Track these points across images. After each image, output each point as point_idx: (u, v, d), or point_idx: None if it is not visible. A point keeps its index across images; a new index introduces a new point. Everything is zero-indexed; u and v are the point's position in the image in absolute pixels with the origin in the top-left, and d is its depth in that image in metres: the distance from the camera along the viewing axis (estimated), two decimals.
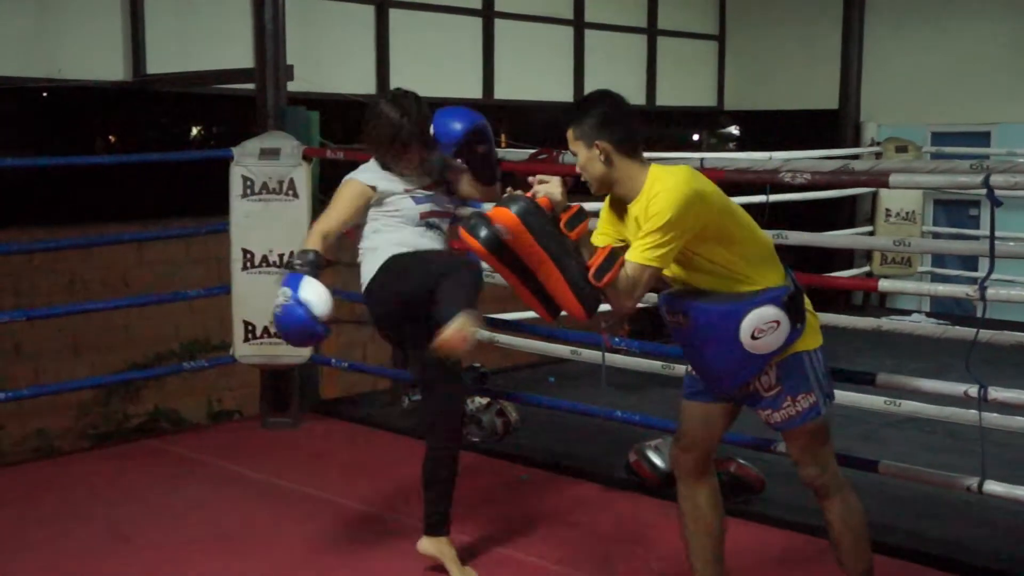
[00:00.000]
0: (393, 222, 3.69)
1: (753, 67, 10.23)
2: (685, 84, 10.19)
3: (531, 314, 6.51)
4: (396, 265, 3.64)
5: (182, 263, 7.39)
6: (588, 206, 3.00)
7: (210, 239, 6.44)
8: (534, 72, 8.88)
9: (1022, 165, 3.73)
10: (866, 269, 8.38)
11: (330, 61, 7.48)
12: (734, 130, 11.30)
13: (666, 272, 2.98)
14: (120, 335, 7.07)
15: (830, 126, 9.19)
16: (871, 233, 8.43)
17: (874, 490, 4.24)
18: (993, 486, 3.64)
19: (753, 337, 2.90)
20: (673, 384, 5.32)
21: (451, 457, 3.63)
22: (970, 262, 8.23)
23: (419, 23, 7.98)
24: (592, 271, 2.85)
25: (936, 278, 8.55)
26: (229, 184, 5.42)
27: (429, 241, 3.72)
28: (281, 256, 5.42)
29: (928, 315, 8.38)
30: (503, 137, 9.12)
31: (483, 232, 2.89)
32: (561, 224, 2.88)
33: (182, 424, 6.82)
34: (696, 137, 11.64)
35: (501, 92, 8.56)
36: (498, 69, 8.51)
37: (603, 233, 3.09)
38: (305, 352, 5.50)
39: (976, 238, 8.23)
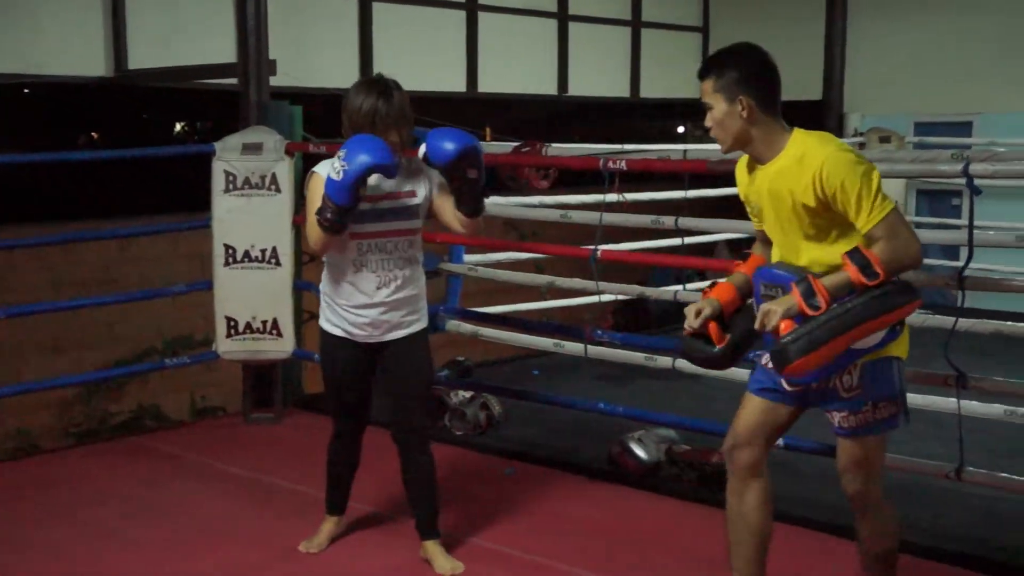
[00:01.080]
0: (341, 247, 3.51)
1: None
2: (669, 76, 10.18)
3: (514, 307, 6.56)
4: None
5: (165, 259, 7.36)
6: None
7: (193, 235, 6.41)
8: (518, 65, 8.87)
9: (1002, 154, 3.75)
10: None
11: (313, 55, 7.45)
12: None
13: (778, 245, 2.89)
14: (103, 332, 7.04)
15: (814, 117, 9.19)
16: None
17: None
18: (972, 472, 3.67)
19: None
20: (656, 376, 5.37)
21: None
22: (951, 251, 8.26)
23: (402, 16, 7.96)
24: (862, 281, 2.63)
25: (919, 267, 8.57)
26: (211, 179, 5.41)
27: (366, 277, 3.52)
28: (263, 251, 5.41)
29: None
30: (487, 130, 9.10)
31: (712, 350, 2.98)
32: (808, 314, 2.64)
33: (165, 421, 6.80)
34: (681, 129, 11.65)
35: (485, 85, 8.55)
36: (482, 62, 8.49)
37: (744, 199, 2.97)
38: (288, 347, 5.50)
39: (958, 227, 8.26)
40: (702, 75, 2.85)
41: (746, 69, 2.80)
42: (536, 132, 8.51)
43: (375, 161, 3.28)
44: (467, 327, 5.53)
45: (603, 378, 5.68)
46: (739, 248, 9.19)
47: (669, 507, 4.26)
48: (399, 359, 3.60)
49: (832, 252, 2.75)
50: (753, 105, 2.77)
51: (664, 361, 4.70)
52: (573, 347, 4.96)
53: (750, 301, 2.95)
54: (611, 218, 4.85)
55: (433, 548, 3.68)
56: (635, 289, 5.37)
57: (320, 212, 3.34)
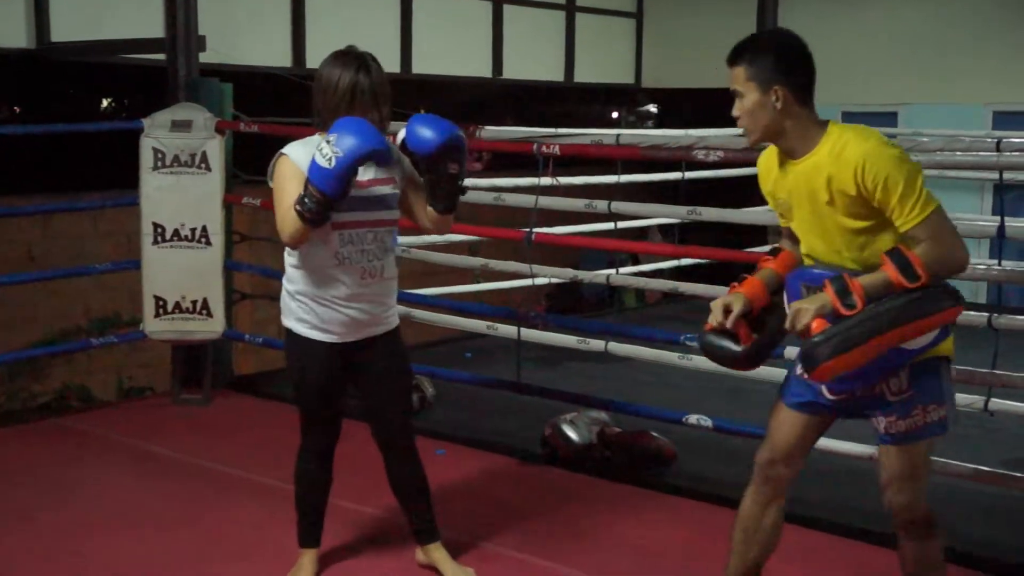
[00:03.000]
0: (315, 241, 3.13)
1: (670, 45, 10.32)
2: (603, 61, 10.23)
3: (447, 289, 6.55)
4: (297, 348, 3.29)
5: (90, 237, 7.22)
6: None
7: (120, 213, 6.31)
8: (453, 47, 8.84)
9: (925, 144, 3.84)
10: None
11: (244, 33, 7.34)
12: (652, 108, 11.39)
13: (807, 244, 2.70)
14: (26, 311, 6.88)
15: None
16: None
17: None
18: None
19: None
20: (589, 358, 5.41)
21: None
22: None
23: None
24: (903, 283, 2.47)
25: None
26: (139, 156, 5.31)
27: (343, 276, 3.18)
28: (193, 230, 5.34)
29: None
30: (421, 112, 9.04)
31: (736, 346, 2.72)
32: (842, 313, 2.46)
33: (91, 402, 6.68)
34: (615, 115, 11.71)
35: (419, 67, 8.50)
36: (416, 43, 8.44)
37: (769, 195, 2.78)
38: (218, 328, 5.43)
39: None
40: (733, 60, 2.62)
41: (782, 57, 2.59)
42: (471, 115, 8.52)
43: (371, 147, 2.95)
44: (400, 308, 5.50)
45: (536, 361, 5.71)
46: (671, 232, 9.32)
47: (600, 489, 4.30)
48: (384, 357, 3.31)
49: (871, 252, 2.59)
50: (788, 95, 2.57)
51: (596, 344, 4.74)
52: (507, 330, 4.98)
53: (778, 299, 2.77)
54: (545, 201, 4.86)
55: (439, 552, 3.45)
56: (568, 272, 5.41)
57: (301, 202, 2.98)
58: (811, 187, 2.59)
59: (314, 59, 7.66)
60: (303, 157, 3.08)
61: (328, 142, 2.95)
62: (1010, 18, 8.53)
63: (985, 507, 3.96)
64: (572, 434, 4.47)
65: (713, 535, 3.85)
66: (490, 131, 4.95)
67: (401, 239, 5.80)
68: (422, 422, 5.07)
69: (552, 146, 4.50)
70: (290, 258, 3.24)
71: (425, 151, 3.07)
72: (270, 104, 7.36)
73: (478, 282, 6.90)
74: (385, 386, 3.34)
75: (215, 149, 5.34)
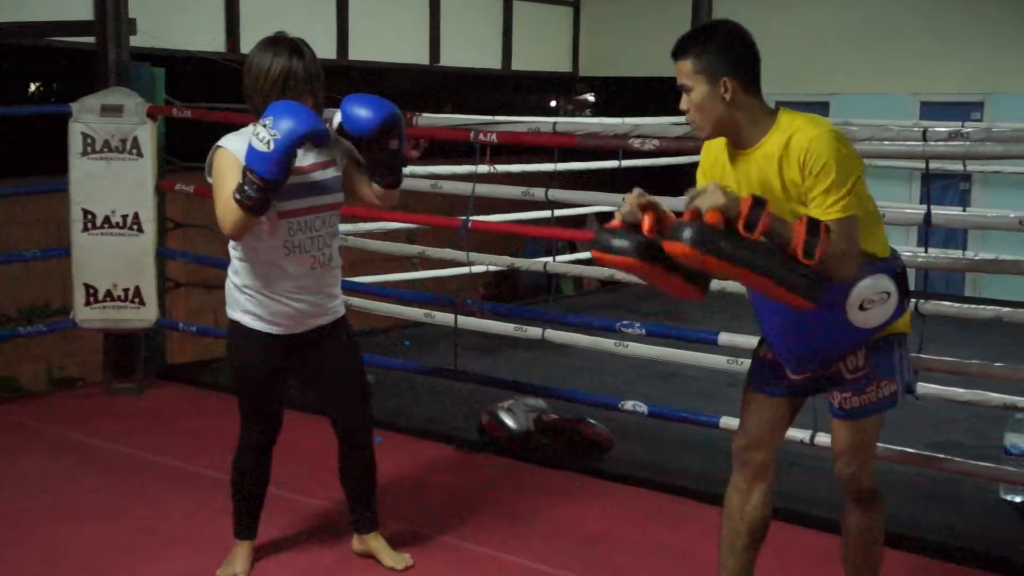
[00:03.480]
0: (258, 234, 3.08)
1: (607, 33, 10.36)
2: (541, 49, 10.24)
3: (385, 277, 6.53)
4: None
5: (18, 224, 7.05)
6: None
7: (49, 199, 6.17)
8: (390, 34, 8.78)
9: (853, 133, 3.91)
10: None
11: (177, 16, 7.22)
12: (590, 96, 11.44)
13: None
14: None
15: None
16: None
17: (715, 447, 4.41)
18: (824, 438, 3.84)
19: (861, 308, 2.60)
20: (525, 346, 5.44)
21: None
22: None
23: None
24: (800, 250, 2.42)
25: None
26: (68, 142, 5.21)
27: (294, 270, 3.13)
28: (124, 217, 5.25)
29: None
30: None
31: (628, 243, 2.49)
32: (740, 230, 2.40)
33: (20, 392, 6.53)
34: (553, 103, 11.74)
35: (356, 53, 8.44)
36: (353, 29, 8.38)
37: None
38: (151, 316, 5.36)
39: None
40: (678, 54, 2.58)
41: (729, 47, 2.56)
42: (408, 102, 8.46)
43: (307, 127, 2.89)
44: None
45: (474, 349, 5.71)
46: (609, 220, 9.36)
47: (538, 476, 4.33)
48: (336, 346, 3.28)
49: None
50: (737, 86, 2.54)
51: (534, 331, 4.76)
52: (444, 317, 4.98)
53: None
54: (482, 189, 4.87)
55: (377, 542, 3.46)
56: (505, 260, 5.42)
57: (240, 190, 2.92)
58: (763, 176, 2.56)
59: (248, 44, 7.52)
60: (240, 147, 3.02)
61: (264, 126, 2.89)
62: (938, 9, 8.71)
63: (910, 487, 4.07)
64: (509, 421, 4.49)
65: (649, 521, 3.91)
66: (427, 118, 4.94)
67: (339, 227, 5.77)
68: None
69: (489, 134, 4.51)
70: (235, 251, 3.18)
71: (363, 131, 3.04)
72: (204, 89, 7.24)
73: (416, 269, 6.89)
74: (341, 375, 3.30)
75: (146, 135, 5.25)
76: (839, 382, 2.71)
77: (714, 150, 2.72)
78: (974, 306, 4.12)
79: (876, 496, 2.81)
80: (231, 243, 3.17)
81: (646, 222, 2.48)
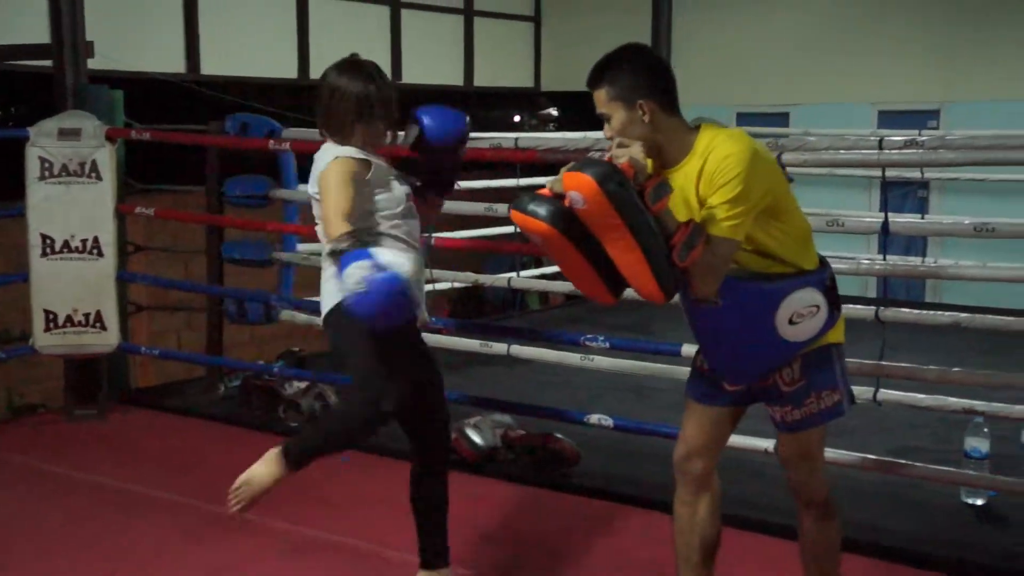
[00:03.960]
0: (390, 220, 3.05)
1: (568, 48, 10.42)
2: (503, 65, 10.28)
3: None
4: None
5: None
6: None
7: (6, 224, 6.11)
8: (350, 51, 8.76)
9: (811, 143, 3.96)
10: None
11: (136, 38, 7.19)
12: (553, 111, 11.48)
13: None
14: None
15: None
16: None
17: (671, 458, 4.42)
18: None
19: (791, 322, 2.61)
20: (492, 362, 5.43)
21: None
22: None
23: (230, 1, 7.77)
24: (676, 249, 2.45)
25: None
26: (26, 166, 5.16)
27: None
28: (84, 241, 5.21)
29: None
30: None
31: (544, 209, 2.46)
32: (645, 195, 2.43)
33: None
34: (517, 118, 11.77)
35: (317, 71, 8.37)
36: (314, 48, 8.38)
37: None
38: (112, 340, 5.31)
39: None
40: (593, 84, 2.62)
41: (641, 71, 2.59)
42: None
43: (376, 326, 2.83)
44: (302, 317, 5.46)
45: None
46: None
47: (506, 491, 4.32)
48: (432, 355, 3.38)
49: (751, 252, 2.60)
50: (655, 107, 2.57)
51: (499, 347, 4.77)
52: None
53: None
54: (445, 206, 4.85)
55: None
56: (469, 277, 5.42)
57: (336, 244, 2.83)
58: (684, 195, 2.58)
59: (208, 65, 7.57)
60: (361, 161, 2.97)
61: (363, 279, 2.71)
62: (895, 21, 8.83)
63: (873, 493, 4.10)
64: (476, 438, 4.48)
65: (617, 534, 3.91)
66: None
67: (302, 247, 5.75)
68: None
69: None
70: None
71: (451, 140, 3.10)
72: (164, 111, 7.22)
73: None
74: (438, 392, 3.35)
75: (105, 157, 5.22)
76: (778, 396, 2.72)
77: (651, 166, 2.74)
78: (933, 312, 4.17)
79: (829, 504, 2.82)
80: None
81: (624, 166, 2.48)
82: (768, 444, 3.91)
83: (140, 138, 5.35)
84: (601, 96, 2.61)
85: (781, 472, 2.85)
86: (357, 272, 2.71)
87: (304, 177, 5.62)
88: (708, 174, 2.52)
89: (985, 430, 3.98)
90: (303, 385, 5.19)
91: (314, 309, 5.44)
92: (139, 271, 6.13)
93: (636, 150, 2.48)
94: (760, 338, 2.62)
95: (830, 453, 3.74)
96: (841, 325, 2.76)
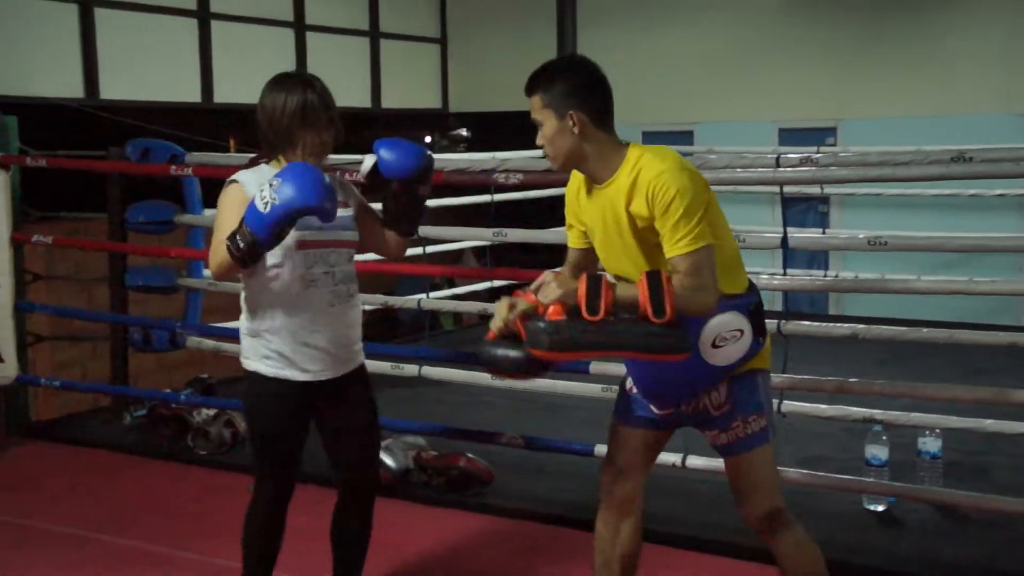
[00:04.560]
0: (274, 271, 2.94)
1: (475, 69, 10.49)
2: (410, 87, 10.29)
3: None
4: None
5: None
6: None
7: None
8: (256, 74, 8.58)
9: (712, 161, 4.05)
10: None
11: (30, 63, 7.02)
12: (464, 132, 11.51)
13: (612, 270, 2.70)
14: None
15: None
16: None
17: (594, 473, 4.45)
18: (695, 460, 3.96)
19: (714, 346, 2.61)
20: (403, 384, 5.41)
21: None
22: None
23: (129, 23, 7.63)
24: (649, 310, 2.44)
25: None
26: None
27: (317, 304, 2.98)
28: None
29: None
30: (232, 141, 8.85)
31: (516, 357, 2.56)
32: (583, 315, 2.45)
33: None
34: (428, 139, 11.77)
35: (222, 95, 8.33)
36: (217, 71, 8.27)
37: (571, 226, 2.78)
38: (10, 372, 5.17)
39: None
40: (529, 90, 2.65)
41: (575, 82, 2.62)
42: None
43: (307, 203, 2.73)
44: (209, 343, 5.38)
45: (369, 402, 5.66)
46: (485, 255, 9.43)
47: (420, 513, 4.31)
48: (355, 397, 3.13)
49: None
50: (585, 120, 2.59)
51: (410, 369, 4.76)
52: None
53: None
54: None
55: None
56: (378, 299, 5.41)
57: (232, 238, 2.78)
58: (615, 212, 2.60)
59: (107, 89, 7.42)
60: (252, 185, 2.91)
61: (271, 185, 2.75)
62: (793, 40, 9.07)
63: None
64: (388, 460, 4.46)
65: (531, 552, 3.93)
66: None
67: (207, 272, 5.67)
68: (236, 457, 4.96)
69: (355, 172, 4.49)
70: (248, 290, 3.00)
71: (403, 174, 3.02)
72: (63, 136, 7.05)
73: None
74: (357, 430, 3.15)
75: None
76: (707, 420, 2.74)
77: (576, 182, 2.76)
78: (831, 324, 4.29)
79: (790, 523, 2.76)
80: (242, 284, 3.01)
81: (522, 332, 2.55)
82: (676, 459, 3.98)
83: (36, 165, 5.22)
84: (535, 102, 2.64)
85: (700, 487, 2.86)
86: (264, 194, 2.74)
87: (209, 202, 5.59)
88: (642, 195, 2.53)
89: (884, 438, 4.10)
90: (212, 412, 5.11)
91: (221, 335, 5.39)
92: (40, 300, 5.96)
93: (549, 289, 2.50)
94: (684, 361, 2.58)
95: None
96: (767, 351, 2.77)
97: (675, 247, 2.52)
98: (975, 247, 5.72)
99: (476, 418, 5.29)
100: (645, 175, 2.54)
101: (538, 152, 2.94)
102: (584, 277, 2.50)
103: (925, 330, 4.08)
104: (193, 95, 8.15)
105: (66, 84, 7.26)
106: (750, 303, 2.68)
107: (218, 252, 2.85)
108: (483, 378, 4.62)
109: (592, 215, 2.69)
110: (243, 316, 3.05)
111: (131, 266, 5.52)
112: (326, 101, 2.96)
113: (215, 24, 8.23)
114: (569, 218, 2.80)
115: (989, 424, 3.95)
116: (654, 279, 2.47)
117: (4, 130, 5.33)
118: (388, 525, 4.15)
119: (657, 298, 2.45)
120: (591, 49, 9.96)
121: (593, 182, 2.67)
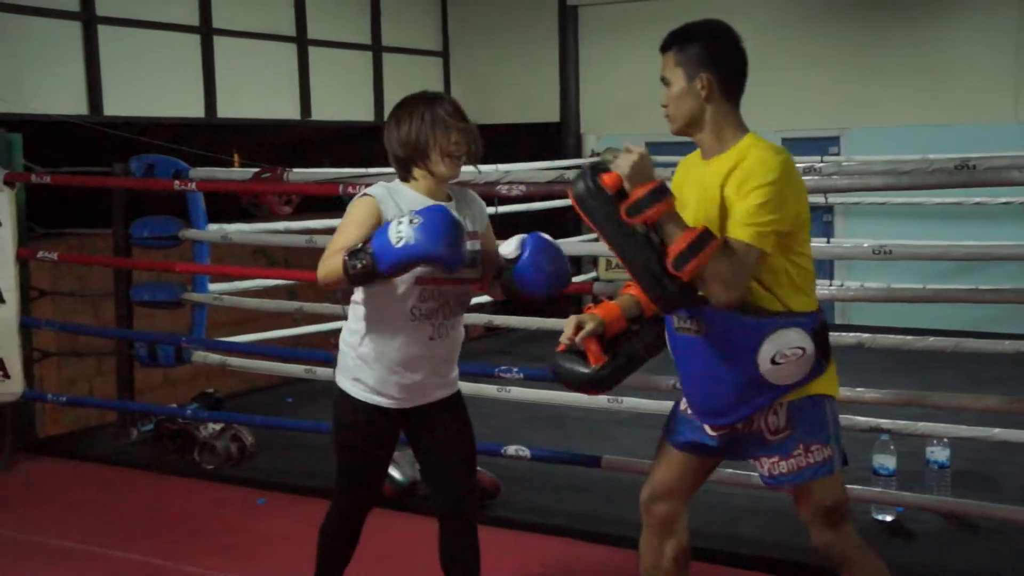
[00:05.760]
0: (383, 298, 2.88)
1: (478, 82, 10.50)
2: None
3: (265, 335, 6.43)
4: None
5: None
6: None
7: None
8: (259, 90, 8.72)
9: None
10: (593, 274, 8.79)
11: (35, 80, 7.03)
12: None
13: None
14: None
15: (554, 138, 9.59)
16: (597, 240, 8.82)
17: (600, 487, 4.46)
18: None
19: (773, 362, 2.50)
20: None
21: None
22: None
23: (132, 40, 7.65)
24: (671, 258, 2.38)
25: None
26: None
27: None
28: None
29: None
30: (236, 156, 8.88)
31: (595, 374, 2.61)
32: (622, 209, 2.41)
33: None
34: None
35: (225, 111, 8.35)
36: (220, 87, 8.29)
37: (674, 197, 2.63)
38: (16, 388, 5.17)
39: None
40: (664, 47, 2.61)
41: (712, 46, 2.56)
42: (283, 156, 8.40)
43: (442, 257, 2.66)
44: (215, 357, 5.39)
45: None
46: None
47: (426, 526, 4.28)
48: (450, 422, 3.06)
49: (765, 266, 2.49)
50: (714, 85, 2.53)
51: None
52: (325, 372, 4.93)
53: (635, 326, 2.70)
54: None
55: None
56: None
57: (353, 255, 2.70)
58: (711, 189, 2.52)
59: (111, 106, 7.44)
60: (388, 203, 2.85)
61: (411, 221, 2.66)
62: (796, 49, 9.07)
63: (787, 513, 4.14)
64: (395, 473, 4.45)
65: (537, 564, 3.92)
66: (298, 173, 4.92)
67: (213, 287, 5.69)
68: (243, 471, 4.96)
69: (358, 187, 4.51)
70: (355, 309, 2.95)
71: (534, 293, 2.94)
72: (68, 153, 7.07)
73: (299, 325, 6.81)
74: (455, 457, 3.08)
75: (4, 202, 5.11)
76: (762, 445, 2.61)
77: (689, 157, 2.73)
78: (837, 333, 4.26)
79: (859, 560, 2.68)
80: (352, 302, 2.95)
81: (592, 353, 2.60)
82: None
83: (41, 182, 5.24)
84: (668, 60, 2.60)
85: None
86: (398, 229, 2.66)
87: (214, 217, 5.61)
88: (739, 177, 2.46)
89: (892, 447, 4.09)
90: (218, 427, 5.12)
91: (227, 349, 5.40)
92: (46, 316, 5.98)
93: (624, 160, 2.43)
94: (740, 374, 2.52)
95: (742, 475, 3.82)
96: (833, 376, 2.65)
97: (738, 229, 2.43)
98: (980, 255, 5.71)
99: (482, 430, 5.28)
100: (751, 160, 2.48)
101: (541, 164, 2.95)
102: (652, 182, 2.43)
103: (931, 339, 4.07)
104: (196, 110, 8.16)
105: (70, 101, 7.28)
106: (815, 324, 2.57)
107: (332, 261, 2.76)
108: (489, 390, 4.62)
109: (691, 189, 2.61)
110: (346, 328, 3.00)
111: (137, 281, 5.53)
112: (453, 104, 2.97)
113: (218, 40, 8.25)
114: (674, 188, 2.64)
115: (997, 433, 3.93)
116: (703, 240, 2.39)
117: (9, 147, 5.35)
118: (394, 538, 4.16)
119: (688, 254, 2.38)
120: (593, 61, 10.01)
121: (702, 154, 2.61)
